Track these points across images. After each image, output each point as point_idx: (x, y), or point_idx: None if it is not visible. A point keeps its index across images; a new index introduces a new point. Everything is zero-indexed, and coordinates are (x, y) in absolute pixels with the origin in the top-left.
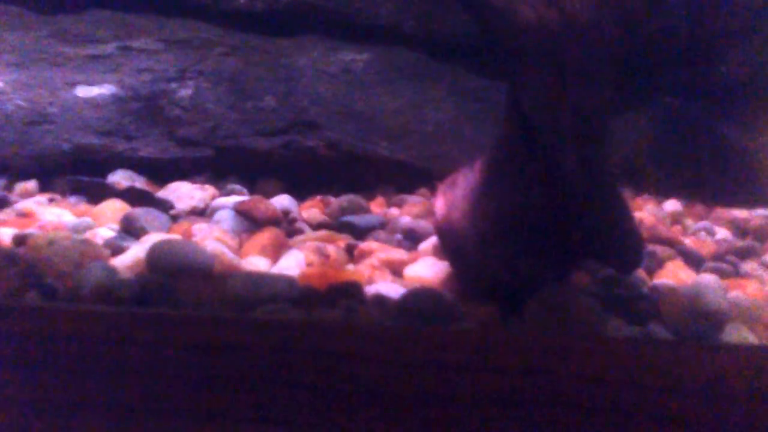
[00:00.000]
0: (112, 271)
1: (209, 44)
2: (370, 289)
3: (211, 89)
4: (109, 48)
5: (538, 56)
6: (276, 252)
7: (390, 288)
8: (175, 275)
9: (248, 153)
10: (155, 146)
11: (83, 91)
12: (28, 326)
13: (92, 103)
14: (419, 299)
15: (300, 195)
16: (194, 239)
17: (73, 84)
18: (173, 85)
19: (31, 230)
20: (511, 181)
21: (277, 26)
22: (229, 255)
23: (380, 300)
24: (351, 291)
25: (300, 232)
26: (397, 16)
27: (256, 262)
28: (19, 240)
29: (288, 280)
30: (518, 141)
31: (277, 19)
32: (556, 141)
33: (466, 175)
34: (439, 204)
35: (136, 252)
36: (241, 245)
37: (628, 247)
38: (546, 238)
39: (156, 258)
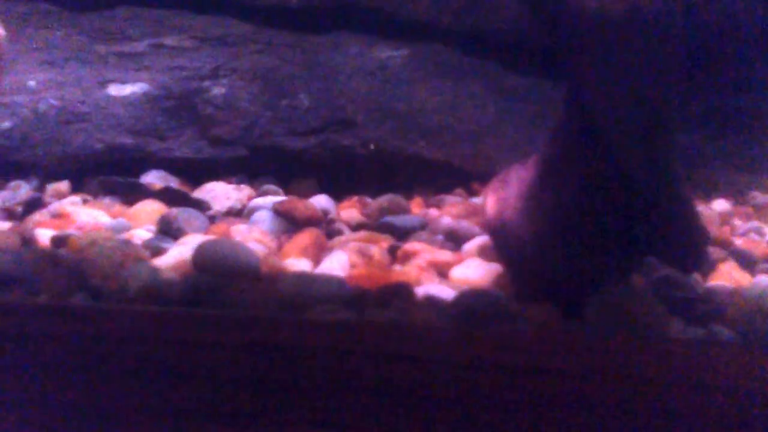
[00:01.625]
0: (157, 271)
1: (243, 41)
2: (420, 290)
3: (245, 87)
4: (141, 45)
5: (601, 49)
6: (317, 253)
7: (440, 289)
8: (223, 275)
9: (283, 152)
10: (189, 146)
11: (116, 90)
12: (78, 328)
13: (125, 101)
14: (474, 300)
15: (335, 194)
16: (233, 239)
17: (106, 82)
18: (206, 84)
19: (70, 231)
20: (570, 178)
21: (312, 23)
22: (273, 256)
23: (433, 301)
24: (402, 292)
25: (339, 233)
26: (435, 11)
27: (299, 263)
28: (59, 241)
29: (338, 281)
30: (578, 136)
31: (312, 15)
32: (620, 137)
33: (519, 173)
34: (490, 203)
35: (178, 252)
36: (280, 246)
37: (694, 246)
38: (607, 236)
39: (203, 258)
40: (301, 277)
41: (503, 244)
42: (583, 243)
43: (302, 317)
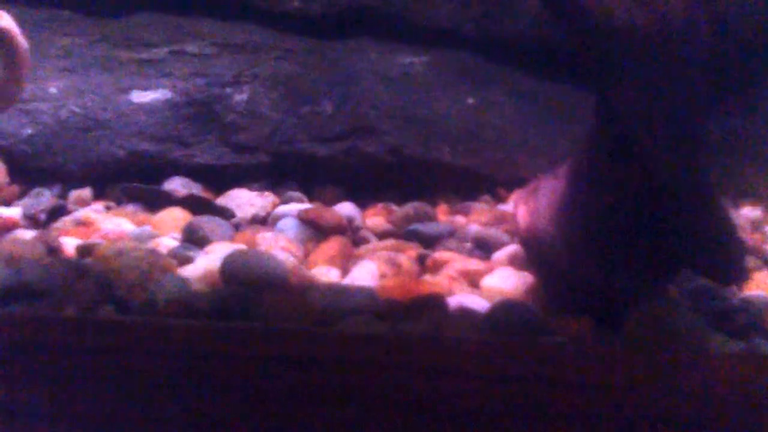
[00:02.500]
0: (186, 283)
1: (264, 48)
2: (452, 301)
3: (267, 94)
4: (162, 52)
5: (630, 58)
6: (344, 262)
7: (472, 300)
8: (253, 287)
9: (306, 159)
10: (211, 152)
11: (137, 97)
12: (107, 341)
13: (146, 108)
14: (508, 312)
15: (359, 201)
16: (259, 248)
17: (127, 89)
18: (228, 90)
19: (96, 240)
20: (602, 188)
21: (333, 29)
22: (301, 266)
23: (466, 312)
24: (435, 303)
25: (366, 241)
26: (456, 17)
27: (327, 273)
28: (85, 250)
29: (370, 292)
30: (609, 146)
31: (333, 21)
32: (652, 147)
33: (550, 183)
34: (522, 212)
35: (205, 262)
36: (307, 254)
37: (730, 256)
38: (643, 247)
39: (232, 269)
40: (332, 289)
41: (537, 254)
42: (618, 254)
43: (335, 330)
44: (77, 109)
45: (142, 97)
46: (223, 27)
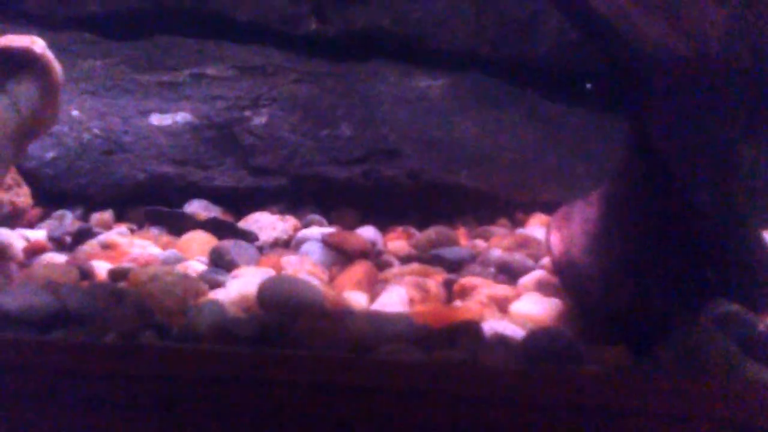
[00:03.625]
0: (223, 309)
1: (282, 71)
2: (485, 327)
3: (286, 117)
4: (182, 75)
5: (667, 86)
6: (371, 286)
7: (505, 326)
8: (289, 313)
9: (325, 182)
10: (230, 175)
11: (157, 119)
12: (153, 368)
13: (167, 131)
14: (544, 340)
15: (377, 224)
16: (286, 272)
17: (147, 112)
18: (247, 113)
19: (126, 264)
20: (637, 216)
21: (349, 52)
22: (335, 291)
23: (501, 340)
24: (470, 330)
25: (389, 264)
26: (473, 41)
27: (356, 297)
28: (117, 274)
29: (406, 320)
30: (645, 176)
31: (349, 44)
32: (689, 175)
33: (583, 210)
34: (555, 239)
35: (238, 287)
36: (332, 278)
37: (764, 284)
38: (678, 275)
39: (268, 295)
40: (372, 316)
41: (571, 282)
42: (653, 281)
43: (376, 357)
44: (99, 132)
45: (162, 119)
46: (241, 50)
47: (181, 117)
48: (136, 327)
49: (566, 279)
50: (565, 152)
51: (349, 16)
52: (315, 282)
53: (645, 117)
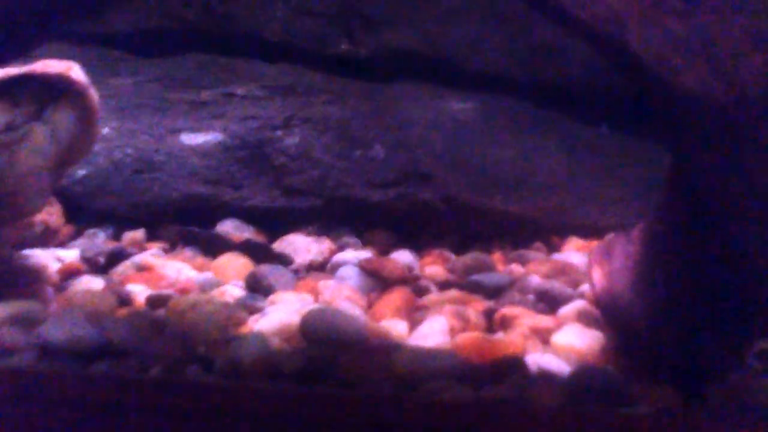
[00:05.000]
0: (266, 340)
1: (313, 91)
2: (528, 361)
3: (318, 137)
4: (213, 94)
5: (707, 129)
6: (409, 314)
7: (549, 360)
8: (333, 347)
9: (359, 204)
10: (263, 195)
11: (188, 138)
12: (197, 404)
13: (198, 150)
14: (590, 378)
15: (411, 246)
16: (322, 298)
17: (178, 131)
18: (279, 133)
19: (167, 291)
20: (680, 256)
21: (379, 73)
22: (375, 323)
23: (547, 376)
24: (516, 366)
25: (426, 290)
26: (505, 63)
27: (395, 326)
28: (155, 301)
29: (451, 356)
30: (686, 214)
31: (379, 65)
32: (733, 219)
33: (624, 246)
34: (597, 275)
35: (279, 316)
36: (370, 305)
37: None
38: (723, 315)
39: (313, 327)
40: (417, 352)
41: (615, 319)
42: (699, 322)
43: (429, 397)
44: (130, 151)
45: (193, 139)
46: (271, 69)
47: (213, 136)
48: (181, 360)
49: (610, 315)
50: (597, 176)
51: (379, 37)
52: (357, 312)
53: (684, 154)
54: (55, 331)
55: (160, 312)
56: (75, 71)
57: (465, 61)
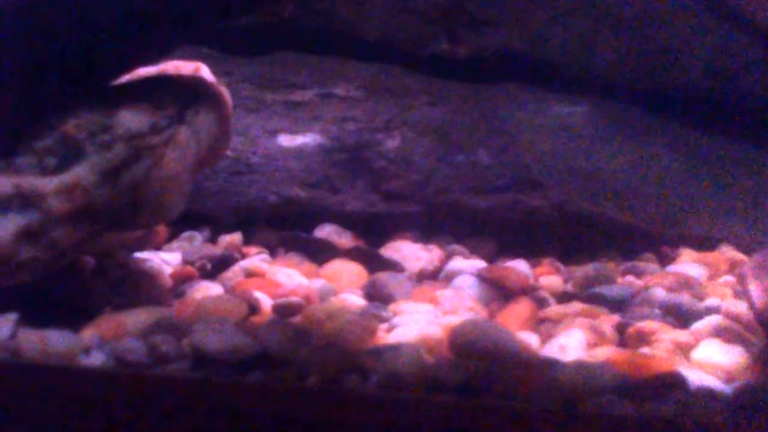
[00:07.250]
0: (420, 353)
1: (412, 92)
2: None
3: (418, 140)
4: (309, 94)
5: None
6: (535, 326)
7: (702, 377)
8: (489, 360)
9: (463, 211)
10: (361, 199)
11: (286, 140)
12: (365, 417)
13: (296, 152)
14: (755, 396)
15: (516, 255)
16: (442, 307)
17: (275, 132)
18: (378, 136)
19: (294, 299)
20: None
21: (479, 74)
22: (524, 336)
23: (708, 393)
24: (676, 382)
25: (545, 302)
26: (614, 66)
27: (529, 339)
28: (283, 310)
29: (611, 370)
30: None
31: (480, 66)
32: None
33: None
34: (756, 291)
35: (417, 328)
36: (492, 316)
37: None
38: None
39: (463, 341)
40: (579, 366)
41: None
42: None
43: (594, 413)
44: (228, 152)
45: (290, 140)
46: (367, 69)
47: (311, 138)
48: (341, 370)
49: None
50: (711, 185)
51: (482, 38)
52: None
53: None
54: (208, 340)
55: (295, 320)
56: (204, 71)
57: (572, 63)
